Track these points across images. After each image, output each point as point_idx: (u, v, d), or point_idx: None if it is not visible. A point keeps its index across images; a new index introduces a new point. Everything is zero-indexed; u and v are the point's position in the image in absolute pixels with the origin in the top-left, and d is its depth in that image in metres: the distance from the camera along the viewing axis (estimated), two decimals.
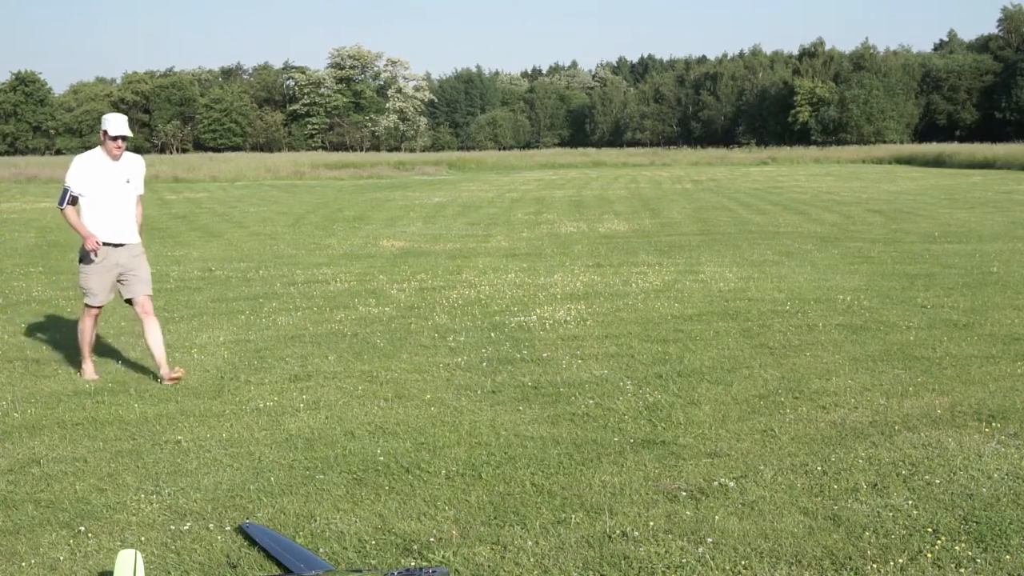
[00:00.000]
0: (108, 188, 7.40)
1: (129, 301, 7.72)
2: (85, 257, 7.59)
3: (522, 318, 9.98)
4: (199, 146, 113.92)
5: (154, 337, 7.58)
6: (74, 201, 7.42)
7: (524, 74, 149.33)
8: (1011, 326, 9.08)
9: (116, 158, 7.40)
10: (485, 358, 8.18)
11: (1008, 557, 4.22)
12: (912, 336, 8.70)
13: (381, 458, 5.66)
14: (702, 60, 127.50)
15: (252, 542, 4.52)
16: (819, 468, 5.34)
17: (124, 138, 7.35)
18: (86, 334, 7.75)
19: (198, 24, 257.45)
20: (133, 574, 3.87)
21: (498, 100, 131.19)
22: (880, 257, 14.46)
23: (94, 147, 7.58)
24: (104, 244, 7.45)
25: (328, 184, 45.46)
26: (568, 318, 9.91)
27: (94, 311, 7.72)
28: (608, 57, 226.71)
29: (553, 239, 18.31)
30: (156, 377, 7.56)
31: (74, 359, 8.43)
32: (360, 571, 4.21)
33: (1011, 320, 9.36)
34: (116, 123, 7.35)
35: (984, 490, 4.98)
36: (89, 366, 7.81)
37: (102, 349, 8.83)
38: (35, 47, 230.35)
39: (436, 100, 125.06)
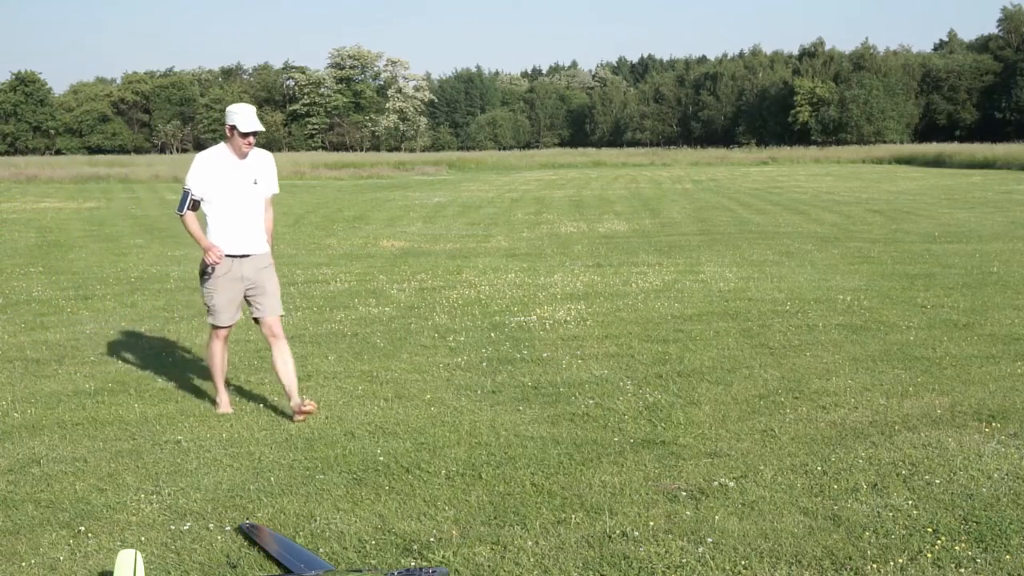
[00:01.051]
0: (234, 190, 6.36)
1: (256, 320, 6.65)
2: (206, 271, 6.53)
3: (522, 318, 9.98)
4: (199, 146, 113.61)
5: (283, 363, 6.51)
6: (195, 206, 6.40)
7: (524, 74, 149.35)
8: (1011, 326, 9.08)
9: (244, 156, 6.37)
10: (485, 358, 8.18)
11: (1008, 557, 4.22)
12: (912, 336, 8.70)
13: (381, 458, 5.66)
14: (702, 60, 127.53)
15: (252, 542, 4.53)
16: (819, 468, 5.34)
17: (255, 133, 6.31)
18: (216, 359, 6.69)
19: (198, 24, 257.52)
20: (133, 574, 3.87)
21: (498, 100, 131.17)
22: (880, 257, 14.46)
23: (219, 144, 6.46)
24: (227, 256, 6.40)
25: (328, 184, 45.47)
26: (568, 318, 9.91)
27: (222, 332, 6.62)
28: (608, 57, 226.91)
29: (553, 239, 18.31)
30: (289, 415, 6.48)
31: (74, 359, 8.44)
32: (360, 571, 4.21)
33: (1011, 320, 9.36)
34: (247, 117, 6.25)
35: (984, 490, 4.98)
36: (224, 397, 6.75)
37: (102, 349, 8.84)
38: (35, 47, 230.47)
39: (436, 100, 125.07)
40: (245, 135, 6.25)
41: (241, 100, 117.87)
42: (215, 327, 6.60)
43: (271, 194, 6.63)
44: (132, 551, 3.95)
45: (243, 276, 6.45)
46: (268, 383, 7.49)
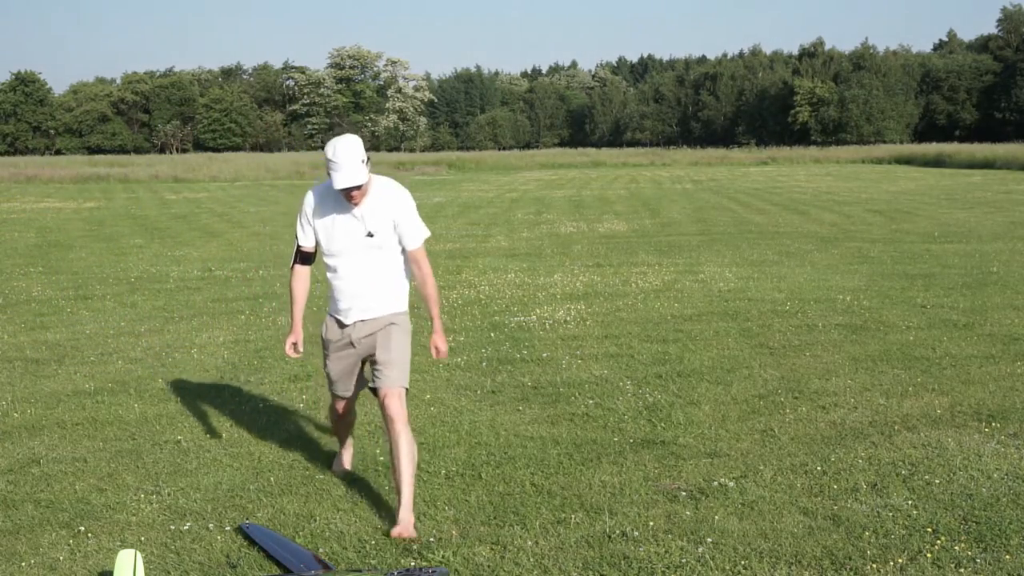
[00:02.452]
0: (342, 243, 4.83)
1: (374, 391, 4.96)
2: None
3: (522, 318, 9.98)
4: (199, 146, 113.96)
5: (397, 460, 4.73)
6: (305, 259, 4.97)
7: (524, 74, 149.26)
8: (1011, 326, 9.08)
9: (356, 205, 4.77)
10: (485, 358, 8.18)
11: (1008, 557, 4.22)
12: (912, 336, 8.70)
13: (381, 458, 5.66)
14: (702, 60, 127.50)
15: (252, 542, 4.53)
16: (819, 468, 5.34)
17: (357, 187, 4.67)
18: (335, 425, 5.51)
19: (198, 24, 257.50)
20: (133, 574, 3.87)
21: (498, 100, 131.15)
22: (880, 257, 14.46)
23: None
24: (336, 320, 5.01)
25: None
26: (568, 318, 9.91)
27: (340, 401, 5.28)
28: (608, 57, 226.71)
29: (553, 239, 18.31)
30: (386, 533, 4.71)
31: (74, 359, 8.44)
32: (360, 571, 4.21)
33: (1011, 320, 9.36)
34: (338, 169, 4.59)
35: (984, 490, 4.98)
36: (344, 455, 5.57)
37: (102, 349, 8.84)
38: (35, 47, 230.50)
39: (436, 100, 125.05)
40: (341, 191, 4.67)
41: (240, 100, 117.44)
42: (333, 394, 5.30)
43: (415, 246, 4.88)
44: (132, 551, 3.95)
45: (354, 341, 4.97)
46: (268, 383, 7.49)
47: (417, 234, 4.87)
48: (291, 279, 5.06)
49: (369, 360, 4.99)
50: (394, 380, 4.86)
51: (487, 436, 6.04)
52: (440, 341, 5.01)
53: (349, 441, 5.56)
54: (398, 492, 4.71)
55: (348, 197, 4.69)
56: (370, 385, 4.96)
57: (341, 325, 4.97)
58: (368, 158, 4.68)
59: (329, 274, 4.95)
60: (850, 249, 15.54)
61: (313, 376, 7.66)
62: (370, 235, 4.77)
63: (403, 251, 4.91)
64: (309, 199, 4.89)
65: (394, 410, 4.79)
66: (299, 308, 5.05)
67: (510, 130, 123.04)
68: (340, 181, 4.57)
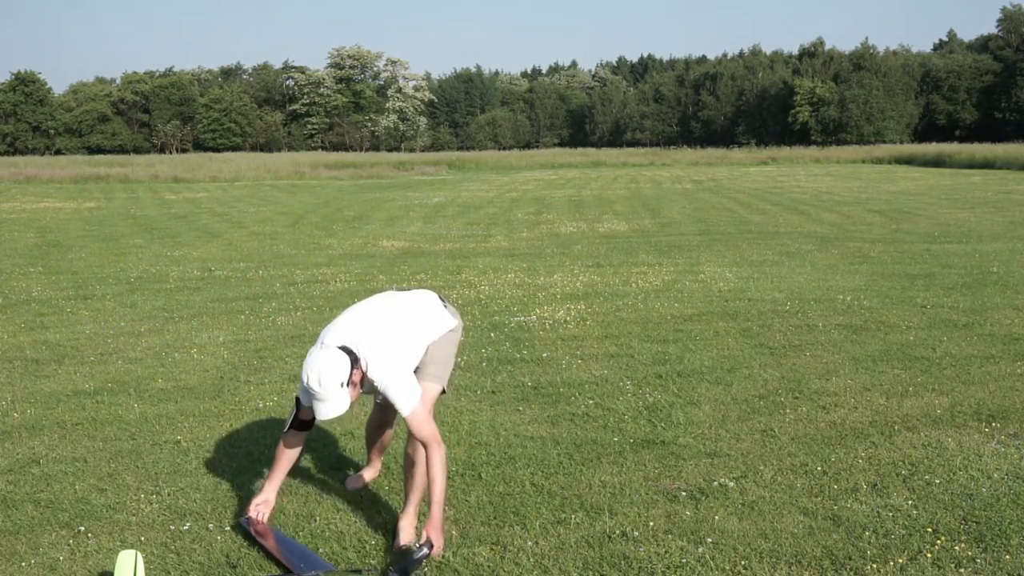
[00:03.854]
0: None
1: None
2: None
3: (522, 318, 9.99)
4: (199, 146, 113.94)
5: (412, 467, 4.55)
6: (301, 425, 4.60)
7: (524, 74, 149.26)
8: (1011, 326, 9.08)
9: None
10: (485, 358, 8.18)
11: (1008, 557, 4.22)
12: (912, 336, 8.70)
13: (383, 457, 5.66)
14: (702, 60, 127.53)
15: (251, 539, 4.53)
16: (819, 468, 5.34)
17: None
18: (369, 434, 5.27)
19: (198, 24, 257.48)
20: (133, 574, 3.87)
21: (498, 100, 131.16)
22: (880, 257, 14.46)
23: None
24: None
25: (328, 184, 45.46)
26: (568, 318, 9.91)
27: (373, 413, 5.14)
28: (608, 57, 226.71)
29: (553, 239, 18.31)
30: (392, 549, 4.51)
31: (74, 359, 8.44)
32: (359, 571, 4.21)
33: (1011, 320, 9.36)
34: (321, 399, 4.22)
35: (984, 490, 4.98)
36: (368, 470, 5.30)
37: (102, 349, 8.84)
38: (35, 47, 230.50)
39: (436, 100, 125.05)
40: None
41: (240, 100, 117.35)
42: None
43: (404, 415, 4.35)
44: (132, 551, 3.95)
45: None
46: (268, 383, 7.49)
47: (404, 407, 4.30)
48: (282, 445, 4.61)
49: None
50: (430, 375, 4.60)
51: (487, 436, 6.04)
52: (435, 534, 4.25)
53: (377, 462, 5.24)
54: (404, 499, 4.60)
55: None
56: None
57: None
58: (349, 379, 4.21)
59: None
60: (850, 249, 15.54)
61: None
62: (380, 400, 4.71)
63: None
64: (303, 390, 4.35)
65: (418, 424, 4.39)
66: (282, 473, 4.66)
67: (510, 130, 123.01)
68: (323, 414, 4.21)
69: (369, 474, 5.27)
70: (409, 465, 4.56)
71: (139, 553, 3.97)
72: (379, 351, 4.30)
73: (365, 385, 4.36)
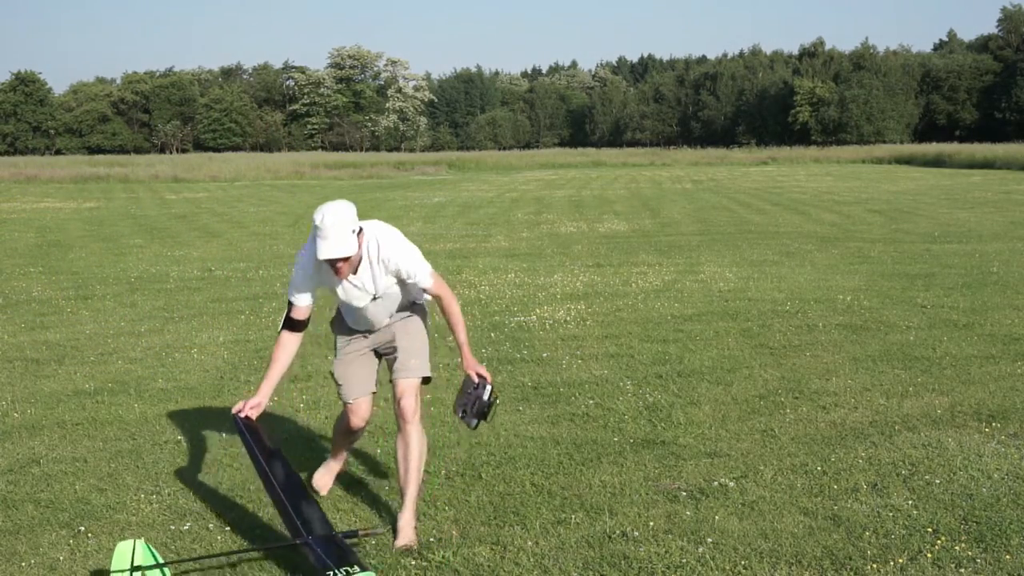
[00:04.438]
0: (350, 300, 4.70)
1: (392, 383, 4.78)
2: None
3: (522, 318, 9.98)
4: (199, 146, 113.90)
5: (406, 462, 4.59)
6: (294, 325, 4.73)
7: (524, 74, 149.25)
8: (1011, 326, 9.08)
9: (343, 277, 4.53)
10: (485, 358, 8.17)
11: (1008, 557, 4.22)
12: (912, 336, 8.70)
13: (381, 458, 5.66)
14: (702, 60, 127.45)
15: (241, 436, 4.58)
16: (819, 468, 5.34)
17: (344, 259, 4.40)
18: (338, 435, 5.10)
19: (198, 24, 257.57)
20: (131, 563, 3.88)
21: (498, 100, 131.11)
22: (880, 257, 14.46)
23: None
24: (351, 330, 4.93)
25: (328, 184, 45.46)
26: (568, 318, 9.91)
27: (350, 408, 4.91)
28: (608, 57, 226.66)
29: (553, 239, 18.31)
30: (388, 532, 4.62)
31: (74, 359, 8.44)
32: (355, 532, 4.34)
33: (1011, 320, 9.36)
34: (323, 240, 4.29)
35: (984, 490, 4.98)
36: (330, 468, 5.19)
37: (102, 349, 8.83)
38: (35, 47, 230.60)
39: (436, 100, 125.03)
40: (329, 262, 4.40)
41: (240, 100, 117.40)
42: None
43: (427, 284, 4.68)
44: (132, 541, 3.97)
45: (369, 334, 4.88)
46: None
47: (425, 276, 4.62)
48: (276, 345, 4.67)
49: (383, 352, 4.85)
50: (414, 369, 4.68)
51: (487, 436, 6.04)
52: (474, 366, 4.67)
53: (342, 457, 5.13)
54: (401, 496, 4.60)
55: (333, 269, 4.41)
56: (390, 378, 4.74)
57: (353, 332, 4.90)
58: (360, 228, 4.39)
59: (341, 307, 4.86)
60: (850, 249, 15.54)
61: (313, 376, 7.66)
62: (375, 298, 4.64)
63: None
64: (304, 264, 4.54)
65: (409, 410, 4.61)
66: (276, 375, 4.64)
67: (510, 130, 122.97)
68: (324, 251, 4.26)
69: (333, 474, 5.19)
70: (402, 459, 4.59)
71: (141, 541, 3.98)
72: (388, 234, 4.59)
73: (360, 271, 4.50)
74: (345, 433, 4.98)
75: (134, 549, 3.93)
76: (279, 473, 4.42)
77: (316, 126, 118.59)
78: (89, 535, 4.65)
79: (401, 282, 4.65)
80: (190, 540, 4.58)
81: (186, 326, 9.94)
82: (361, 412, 4.86)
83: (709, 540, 4.41)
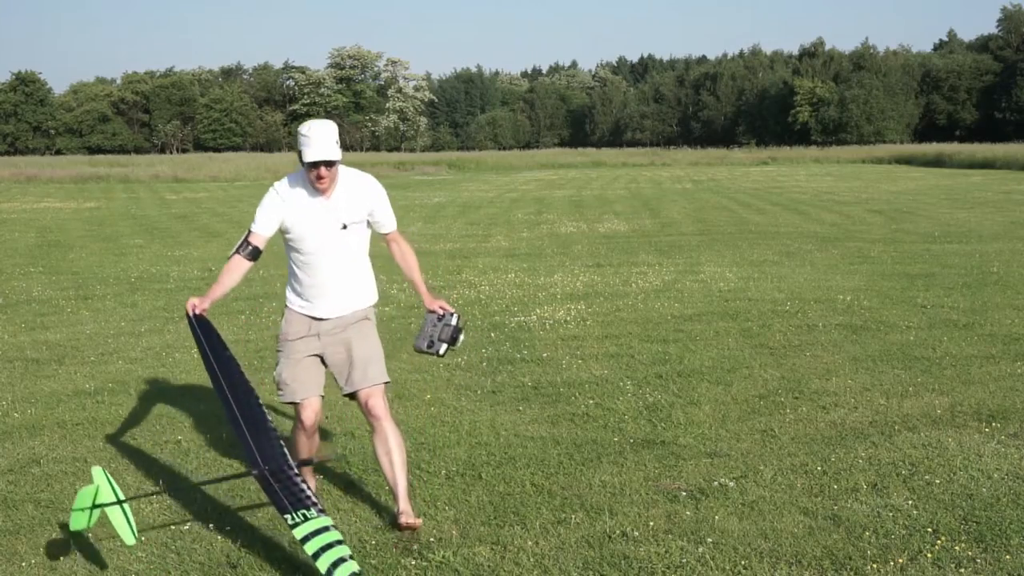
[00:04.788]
0: (313, 236, 4.70)
1: (351, 397, 4.82)
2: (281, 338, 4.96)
3: (522, 318, 9.99)
4: (199, 146, 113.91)
5: (386, 455, 4.67)
6: (253, 254, 4.78)
7: (524, 74, 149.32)
8: (1011, 326, 9.08)
9: (324, 192, 4.63)
10: (485, 358, 8.18)
11: (1008, 557, 4.22)
12: (912, 336, 8.70)
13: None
14: (702, 60, 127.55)
15: (195, 335, 4.66)
16: (819, 468, 5.34)
17: (328, 164, 4.53)
18: (297, 446, 4.85)
19: (198, 24, 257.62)
20: (94, 495, 4.11)
21: (498, 100, 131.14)
22: (880, 257, 14.46)
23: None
24: (302, 315, 4.93)
25: None
26: (568, 318, 9.91)
27: (300, 414, 4.80)
28: (608, 57, 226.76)
29: (553, 239, 18.31)
30: (394, 523, 4.65)
31: (74, 359, 8.44)
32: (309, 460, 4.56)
33: (1011, 320, 9.36)
34: (314, 142, 4.48)
35: (984, 490, 4.98)
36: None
37: (102, 349, 8.83)
38: (35, 47, 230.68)
39: (436, 100, 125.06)
40: (312, 166, 4.49)
41: (240, 100, 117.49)
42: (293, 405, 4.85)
43: (392, 229, 4.95)
44: (96, 473, 4.21)
45: (322, 334, 4.80)
46: (267, 383, 7.48)
47: (392, 218, 4.94)
48: (226, 266, 4.74)
49: (332, 360, 4.78)
50: (374, 377, 4.76)
51: (487, 436, 6.04)
52: (436, 302, 4.99)
53: (309, 463, 4.83)
54: (394, 485, 4.64)
55: (317, 178, 4.51)
56: (346, 391, 4.76)
57: (311, 319, 4.82)
58: (336, 141, 4.62)
59: (298, 270, 4.86)
60: (850, 249, 15.54)
61: None
62: (344, 227, 4.67)
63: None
64: (278, 188, 4.69)
65: (379, 408, 4.69)
66: (219, 292, 4.73)
67: (510, 130, 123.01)
68: (312, 154, 4.45)
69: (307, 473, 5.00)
70: (384, 454, 4.68)
71: (101, 470, 4.18)
72: (365, 173, 4.92)
73: (342, 194, 4.67)
74: (303, 439, 4.82)
75: (96, 491, 4.12)
76: (240, 395, 4.42)
77: None
78: (89, 535, 4.65)
79: (363, 234, 4.82)
80: (190, 540, 4.58)
81: (186, 326, 9.93)
82: (313, 407, 4.79)
83: (709, 540, 4.41)
